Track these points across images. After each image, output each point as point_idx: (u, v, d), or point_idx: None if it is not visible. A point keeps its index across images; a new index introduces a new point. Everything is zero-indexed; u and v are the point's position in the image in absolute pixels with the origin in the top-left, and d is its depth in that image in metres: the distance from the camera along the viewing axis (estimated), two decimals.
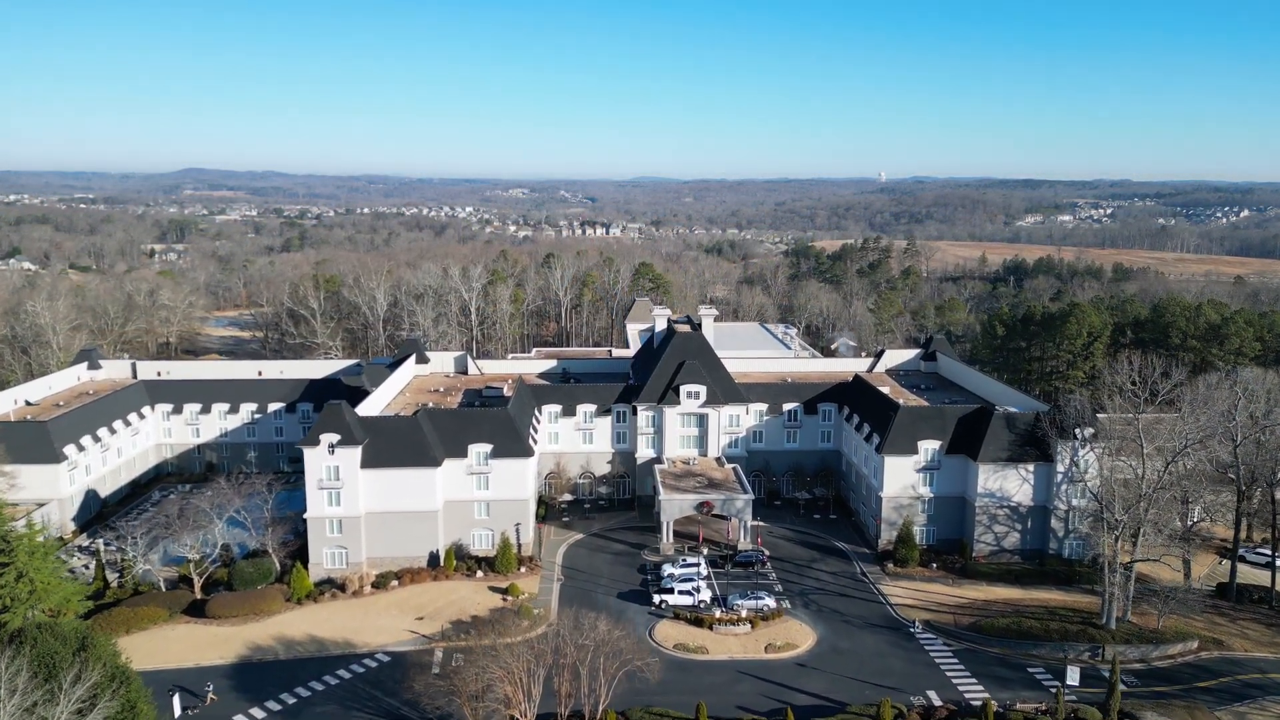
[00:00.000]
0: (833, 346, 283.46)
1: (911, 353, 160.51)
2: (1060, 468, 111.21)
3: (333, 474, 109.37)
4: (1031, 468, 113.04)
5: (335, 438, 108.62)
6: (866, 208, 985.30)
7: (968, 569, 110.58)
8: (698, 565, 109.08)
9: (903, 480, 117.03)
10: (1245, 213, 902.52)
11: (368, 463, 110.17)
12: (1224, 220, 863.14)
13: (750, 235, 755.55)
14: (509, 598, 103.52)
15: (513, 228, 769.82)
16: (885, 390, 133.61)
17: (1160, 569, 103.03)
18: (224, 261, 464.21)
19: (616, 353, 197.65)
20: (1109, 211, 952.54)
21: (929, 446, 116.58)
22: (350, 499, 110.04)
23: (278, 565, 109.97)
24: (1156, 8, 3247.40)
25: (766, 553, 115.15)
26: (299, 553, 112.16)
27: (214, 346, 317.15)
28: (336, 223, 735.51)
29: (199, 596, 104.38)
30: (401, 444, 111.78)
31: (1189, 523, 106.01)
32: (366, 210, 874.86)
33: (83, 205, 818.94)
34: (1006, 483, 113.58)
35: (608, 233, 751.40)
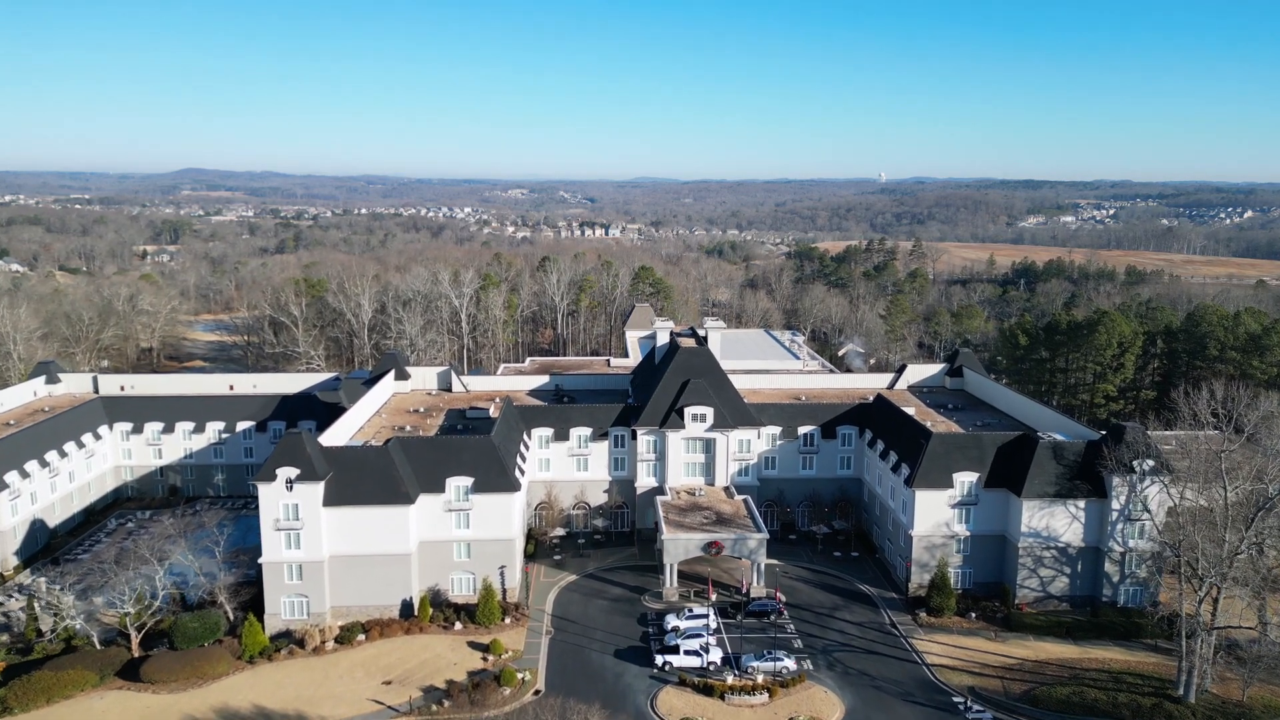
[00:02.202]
0: (840, 353, 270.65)
1: (935, 368, 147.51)
2: (1116, 505, 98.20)
3: (291, 513, 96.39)
4: (1082, 504, 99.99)
5: (293, 472, 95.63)
6: (868, 208, 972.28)
7: (1011, 620, 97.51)
8: (706, 617, 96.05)
9: (935, 517, 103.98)
10: (1249, 213, 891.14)
11: (331, 500, 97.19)
12: (1228, 221, 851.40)
13: (751, 236, 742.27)
14: (490, 656, 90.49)
15: (511, 229, 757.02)
16: (911, 411, 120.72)
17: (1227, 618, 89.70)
18: (216, 263, 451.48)
19: (615, 362, 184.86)
20: (1112, 212, 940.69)
21: (965, 479, 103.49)
22: (311, 541, 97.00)
23: (230, 616, 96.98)
24: (1154, 8, 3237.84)
25: (783, 599, 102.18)
26: (256, 601, 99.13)
27: (200, 352, 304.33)
28: (333, 224, 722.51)
29: (136, 654, 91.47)
30: (370, 478, 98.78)
31: (1265, 569, 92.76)
32: (364, 211, 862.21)
33: (77, 206, 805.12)
34: (1054, 521, 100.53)
35: (607, 234, 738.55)
